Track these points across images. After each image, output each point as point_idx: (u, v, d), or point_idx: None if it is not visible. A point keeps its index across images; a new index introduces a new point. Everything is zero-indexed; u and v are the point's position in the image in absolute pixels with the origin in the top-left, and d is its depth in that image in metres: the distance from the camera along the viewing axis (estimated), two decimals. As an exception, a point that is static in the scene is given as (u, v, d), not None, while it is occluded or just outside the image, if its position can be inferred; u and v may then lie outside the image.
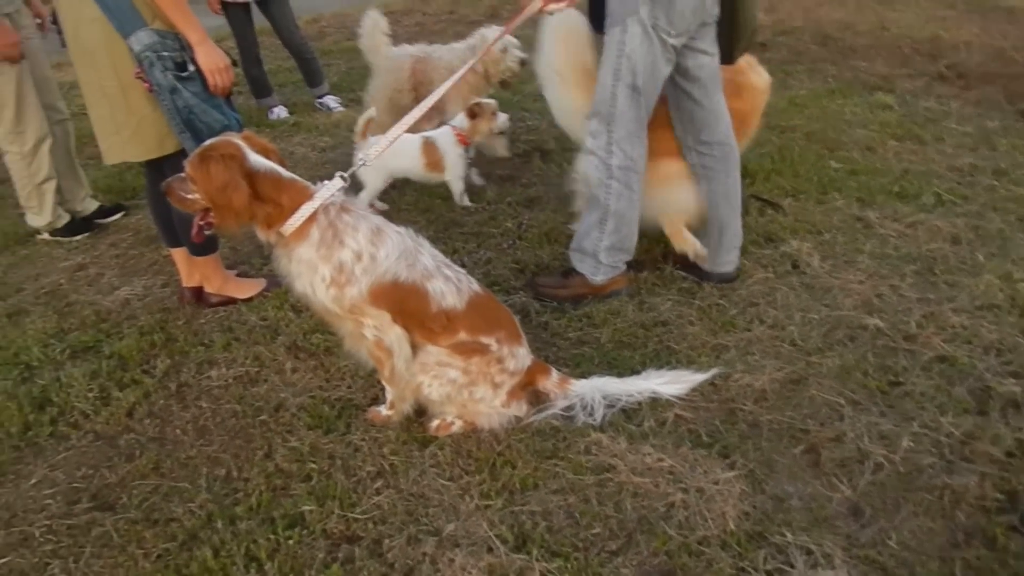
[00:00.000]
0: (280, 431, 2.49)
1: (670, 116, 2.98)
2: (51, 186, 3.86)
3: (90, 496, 2.30)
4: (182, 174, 2.26)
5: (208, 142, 2.25)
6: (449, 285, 2.34)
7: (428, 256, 2.36)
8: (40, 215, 3.90)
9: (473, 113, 3.84)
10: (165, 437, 2.54)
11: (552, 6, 2.69)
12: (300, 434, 2.47)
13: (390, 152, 2.81)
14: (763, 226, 3.52)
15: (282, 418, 2.55)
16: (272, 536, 2.08)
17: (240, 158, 2.20)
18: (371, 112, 3.67)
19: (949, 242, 3.33)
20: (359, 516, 2.14)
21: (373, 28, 4.51)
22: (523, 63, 4.17)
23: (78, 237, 3.98)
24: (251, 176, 2.20)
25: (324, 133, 5.24)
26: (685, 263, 3.19)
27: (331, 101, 5.77)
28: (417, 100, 3.93)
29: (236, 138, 2.28)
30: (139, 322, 3.15)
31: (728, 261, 3.11)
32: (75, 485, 2.35)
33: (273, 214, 2.25)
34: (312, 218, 2.25)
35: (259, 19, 5.48)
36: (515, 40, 4.18)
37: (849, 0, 7.81)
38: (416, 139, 3.84)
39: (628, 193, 2.84)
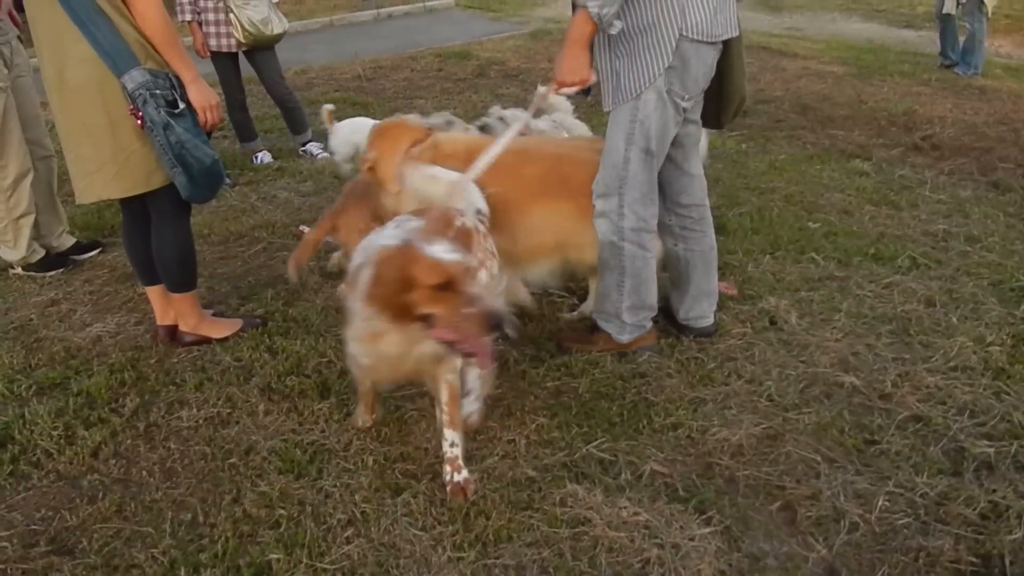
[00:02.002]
0: (250, 475, 2.44)
1: None
2: (28, 221, 3.83)
3: (48, 539, 2.23)
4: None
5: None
6: None
7: None
8: (14, 249, 3.85)
9: None
10: (130, 479, 2.47)
11: (564, 89, 2.73)
12: (270, 478, 2.41)
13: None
14: (741, 283, 3.55)
15: (252, 461, 2.50)
16: (236, 584, 2.01)
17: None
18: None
19: (924, 304, 3.38)
20: (327, 567, 2.08)
21: None
22: None
23: (52, 273, 3.93)
24: None
25: (307, 178, 5.26)
26: (667, 313, 3.20)
27: (314, 148, 5.81)
28: None
29: None
30: (109, 359, 3.09)
31: (705, 317, 3.13)
32: (33, 527, 2.27)
33: None
34: None
35: (246, 69, 5.56)
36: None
37: (828, 74, 8.06)
38: None
39: (642, 253, 2.85)
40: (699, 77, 2.67)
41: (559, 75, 2.65)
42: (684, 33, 2.54)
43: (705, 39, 2.58)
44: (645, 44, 2.58)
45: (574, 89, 2.73)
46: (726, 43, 2.72)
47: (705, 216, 3.04)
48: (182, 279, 3.08)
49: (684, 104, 2.69)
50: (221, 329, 3.23)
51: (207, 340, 3.18)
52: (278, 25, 5.35)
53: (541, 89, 3.72)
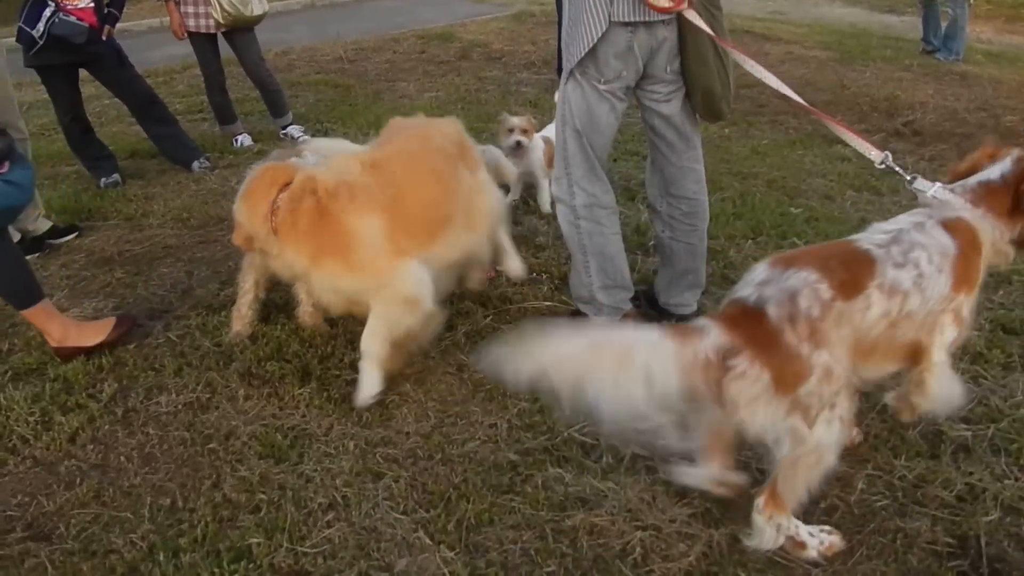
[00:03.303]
0: (229, 460, 2.42)
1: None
2: (3, 204, 3.76)
3: (25, 525, 2.21)
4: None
5: None
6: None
7: None
8: (-11, 233, 3.79)
9: None
10: (108, 464, 2.45)
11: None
12: (250, 463, 2.40)
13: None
14: (723, 268, 3.56)
15: (232, 446, 2.48)
16: (217, 570, 2.01)
17: None
18: None
19: (903, 290, 3.40)
20: (308, 550, 2.08)
21: None
22: None
23: (28, 257, 3.86)
24: None
25: (289, 162, 5.21)
26: (648, 297, 3.21)
27: (295, 131, 5.75)
28: None
29: None
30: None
31: (687, 304, 3.13)
32: (9, 513, 2.25)
33: None
34: None
35: (226, 49, 5.47)
36: None
37: (811, 59, 8.07)
38: (538, 139, 4.09)
39: (600, 228, 2.86)
40: (610, 59, 2.64)
41: None
42: (589, 14, 2.56)
43: (613, 19, 2.56)
44: (574, 29, 2.64)
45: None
46: (680, 31, 2.65)
47: (696, 211, 2.99)
48: (18, 296, 2.89)
49: (602, 87, 2.70)
50: (91, 335, 3.01)
51: (81, 350, 2.97)
52: (258, 6, 5.25)
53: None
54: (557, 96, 2.98)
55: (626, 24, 2.58)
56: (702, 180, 3.00)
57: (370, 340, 2.67)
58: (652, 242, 3.50)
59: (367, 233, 2.60)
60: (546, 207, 4.15)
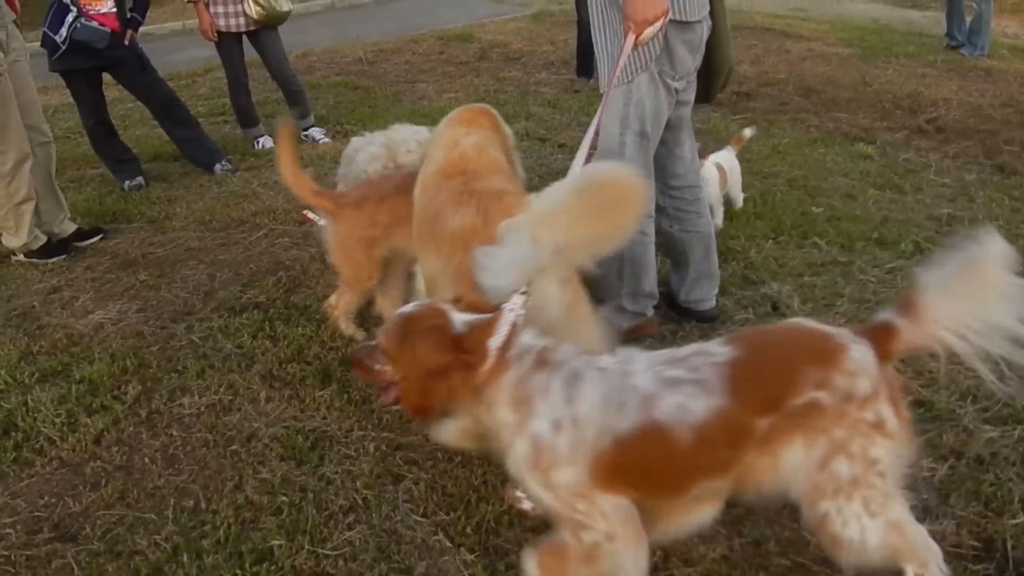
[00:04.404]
0: (251, 462, 2.44)
1: None
2: (29, 207, 3.82)
3: (51, 526, 2.24)
4: (372, 344, 1.85)
5: (407, 309, 1.81)
6: (682, 389, 1.62)
7: (642, 371, 1.68)
8: (16, 236, 3.85)
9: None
10: (133, 466, 2.48)
11: (648, 31, 2.42)
12: (272, 465, 2.42)
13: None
14: (743, 268, 3.54)
15: (254, 448, 2.50)
16: (239, 571, 2.03)
17: (446, 327, 1.72)
18: None
19: (927, 290, 3.36)
20: (329, 552, 2.09)
21: None
22: None
23: (53, 259, 3.93)
24: (456, 343, 1.70)
25: (309, 164, 5.23)
26: (668, 298, 3.19)
27: (317, 133, 5.78)
28: None
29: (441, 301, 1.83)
30: (111, 347, 3.09)
31: (706, 299, 3.12)
32: (36, 514, 2.28)
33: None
34: (500, 362, 1.69)
35: (250, 51, 5.51)
36: None
37: (832, 56, 7.98)
38: (709, 166, 3.86)
39: (641, 238, 2.83)
40: (686, 57, 2.65)
41: (634, 16, 2.36)
42: (670, 16, 2.50)
43: (688, 19, 2.56)
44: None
45: (659, 26, 2.42)
46: (711, 15, 2.72)
47: (699, 198, 3.04)
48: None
49: (675, 84, 2.68)
50: None
51: None
52: (286, 3, 5.32)
53: None
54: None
55: (700, 21, 2.63)
56: (698, 167, 3.06)
57: None
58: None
59: None
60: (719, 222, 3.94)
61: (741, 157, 4.17)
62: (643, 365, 1.68)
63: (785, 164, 4.92)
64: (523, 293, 1.79)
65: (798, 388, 1.60)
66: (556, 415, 1.63)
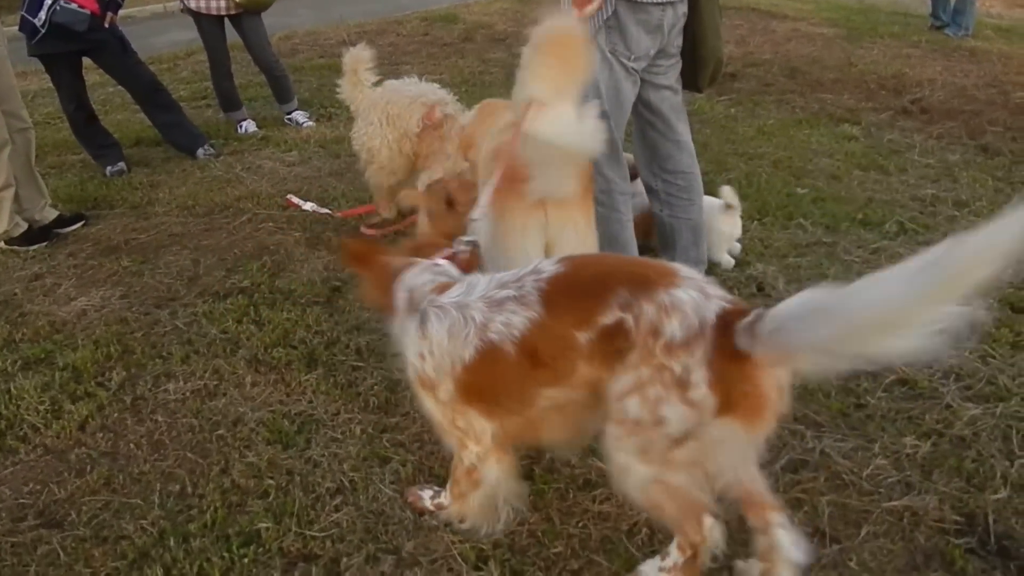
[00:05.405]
0: (238, 446, 2.44)
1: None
2: (9, 194, 3.78)
3: (37, 512, 2.23)
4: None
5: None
6: (506, 307, 1.71)
7: (476, 299, 1.76)
8: (-4, 223, 3.81)
9: None
10: (118, 452, 2.47)
11: (588, 9, 2.56)
12: (258, 449, 2.41)
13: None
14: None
15: (240, 433, 2.50)
16: (226, 554, 2.02)
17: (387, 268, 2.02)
18: None
19: (911, 269, 3.38)
20: (317, 534, 2.09)
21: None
22: None
23: (35, 247, 3.89)
24: (384, 283, 1.99)
25: (292, 148, 5.20)
26: None
27: (300, 116, 5.74)
28: None
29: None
30: (95, 334, 3.07)
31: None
32: (21, 501, 2.27)
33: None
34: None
35: (232, 34, 5.45)
36: None
37: (817, 36, 7.99)
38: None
39: (616, 215, 2.84)
40: (642, 37, 2.65)
41: None
42: None
43: None
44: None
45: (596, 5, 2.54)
46: (693, 4, 2.70)
47: (693, 185, 3.03)
48: None
49: (631, 64, 2.68)
50: None
51: None
52: None
53: None
54: None
55: (660, 4, 2.61)
56: (694, 154, 3.03)
57: None
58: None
59: None
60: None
61: (725, 138, 4.18)
62: (480, 291, 1.78)
63: (770, 145, 4.93)
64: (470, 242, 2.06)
65: (606, 305, 1.61)
66: (420, 348, 1.82)
